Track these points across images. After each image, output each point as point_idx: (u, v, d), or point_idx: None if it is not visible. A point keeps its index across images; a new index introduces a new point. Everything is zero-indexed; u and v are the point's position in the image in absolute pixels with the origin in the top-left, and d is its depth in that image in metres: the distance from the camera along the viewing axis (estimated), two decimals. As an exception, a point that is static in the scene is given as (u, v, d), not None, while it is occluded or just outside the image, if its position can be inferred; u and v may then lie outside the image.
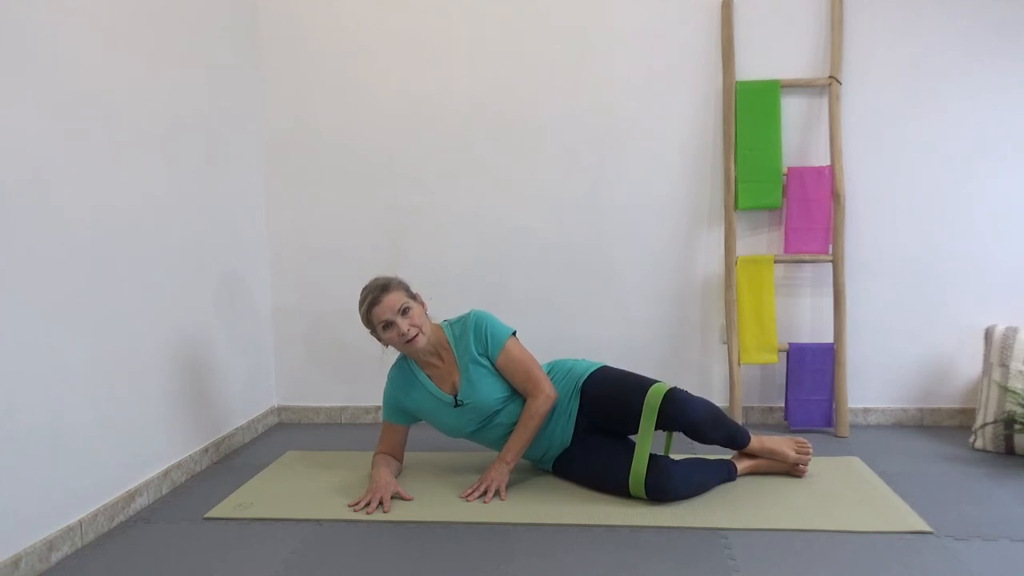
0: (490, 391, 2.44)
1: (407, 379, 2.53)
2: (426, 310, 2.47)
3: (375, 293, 2.38)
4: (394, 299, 2.38)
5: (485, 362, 2.45)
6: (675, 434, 2.48)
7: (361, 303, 2.41)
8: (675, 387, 2.38)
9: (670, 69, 3.17)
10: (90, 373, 2.18)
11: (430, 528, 2.18)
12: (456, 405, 2.45)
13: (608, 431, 2.50)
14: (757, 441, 2.49)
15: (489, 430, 2.49)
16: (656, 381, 2.42)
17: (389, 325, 2.37)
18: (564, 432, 2.48)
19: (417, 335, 2.38)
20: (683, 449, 2.56)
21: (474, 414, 2.46)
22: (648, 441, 2.32)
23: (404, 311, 2.38)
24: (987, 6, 3.01)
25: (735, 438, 2.46)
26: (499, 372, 2.46)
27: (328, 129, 3.30)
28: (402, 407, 2.54)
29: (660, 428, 2.36)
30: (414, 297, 2.46)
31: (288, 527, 2.21)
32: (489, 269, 3.29)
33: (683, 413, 2.32)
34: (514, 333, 2.51)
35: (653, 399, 2.33)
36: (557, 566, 1.93)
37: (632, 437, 2.42)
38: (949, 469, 2.61)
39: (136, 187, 2.41)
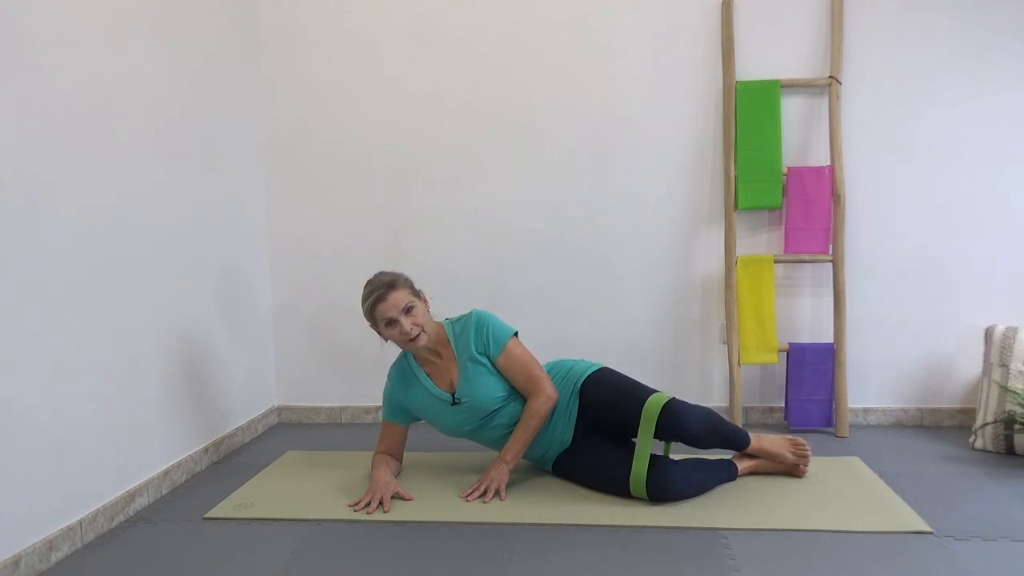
0: (488, 390, 2.44)
1: (406, 377, 2.53)
2: (428, 307, 2.48)
3: (380, 290, 2.38)
4: (399, 297, 2.38)
5: (484, 361, 2.46)
6: None
7: (365, 298, 2.41)
8: (673, 398, 2.37)
9: (670, 69, 3.17)
10: (89, 372, 2.18)
11: (430, 528, 2.18)
12: (454, 403, 2.45)
13: (607, 433, 2.50)
14: (756, 441, 2.49)
15: (488, 431, 2.48)
16: (655, 391, 2.41)
17: (392, 323, 2.38)
18: (564, 433, 2.48)
19: (419, 334, 2.39)
20: (683, 450, 2.56)
21: (472, 413, 2.45)
22: (648, 447, 2.32)
23: (408, 310, 2.38)
24: (987, 6, 3.01)
25: (734, 441, 2.46)
26: (500, 372, 2.46)
27: (328, 128, 3.30)
28: (402, 406, 2.55)
29: (658, 438, 2.35)
30: (418, 294, 2.46)
31: (288, 527, 2.21)
32: (489, 268, 3.29)
33: (681, 426, 2.31)
34: (515, 334, 2.51)
35: (651, 410, 2.32)
36: (557, 566, 1.93)
37: (631, 440, 2.42)
38: (949, 469, 2.61)
39: (136, 186, 2.41)
